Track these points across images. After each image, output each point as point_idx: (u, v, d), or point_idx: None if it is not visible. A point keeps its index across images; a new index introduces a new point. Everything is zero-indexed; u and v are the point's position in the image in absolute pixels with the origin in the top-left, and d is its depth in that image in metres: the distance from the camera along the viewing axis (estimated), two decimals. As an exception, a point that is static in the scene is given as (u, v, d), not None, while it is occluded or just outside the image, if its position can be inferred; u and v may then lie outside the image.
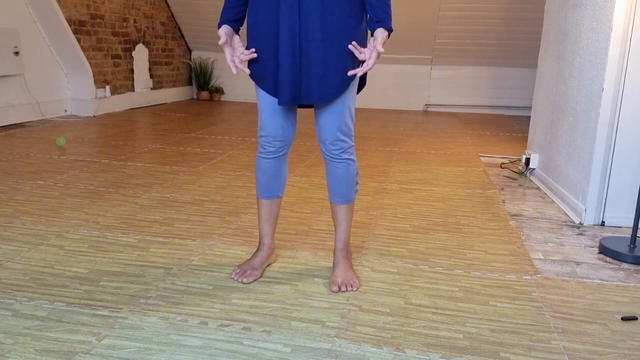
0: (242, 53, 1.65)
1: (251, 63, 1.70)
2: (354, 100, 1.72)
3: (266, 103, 1.72)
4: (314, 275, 1.88)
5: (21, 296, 1.66)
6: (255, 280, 1.82)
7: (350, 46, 1.57)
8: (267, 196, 1.86)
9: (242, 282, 1.80)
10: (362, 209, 2.68)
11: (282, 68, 1.61)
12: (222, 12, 1.69)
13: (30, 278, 1.79)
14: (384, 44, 1.56)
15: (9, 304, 1.61)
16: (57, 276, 1.81)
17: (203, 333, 1.49)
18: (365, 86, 7.74)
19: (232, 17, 1.68)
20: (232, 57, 1.64)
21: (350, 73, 1.59)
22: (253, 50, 1.65)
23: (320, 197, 2.87)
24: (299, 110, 6.34)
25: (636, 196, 2.49)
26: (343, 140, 1.72)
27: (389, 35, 1.59)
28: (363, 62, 1.74)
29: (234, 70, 1.63)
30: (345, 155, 1.75)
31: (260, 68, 1.68)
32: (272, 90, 1.68)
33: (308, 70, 1.61)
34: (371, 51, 1.55)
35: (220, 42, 1.63)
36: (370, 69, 1.57)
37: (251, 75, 1.71)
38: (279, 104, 1.64)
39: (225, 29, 1.65)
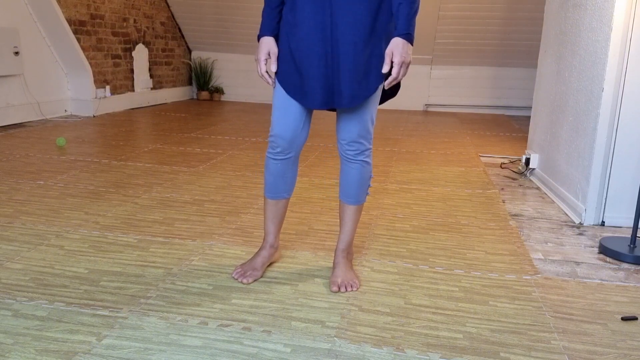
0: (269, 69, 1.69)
1: (280, 63, 1.70)
2: (377, 104, 1.72)
3: (281, 103, 1.71)
4: (314, 275, 1.88)
5: (21, 296, 1.66)
6: (255, 281, 1.82)
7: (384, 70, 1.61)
8: (273, 196, 1.85)
9: (242, 282, 1.80)
10: (362, 209, 2.67)
11: (313, 71, 1.61)
12: (264, 20, 1.69)
13: (30, 278, 1.79)
14: (406, 55, 1.57)
15: (9, 304, 1.61)
16: (57, 276, 1.81)
17: (203, 333, 1.49)
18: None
19: (276, 25, 1.70)
20: (266, 69, 1.67)
21: (386, 86, 1.62)
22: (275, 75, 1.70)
23: (320, 197, 2.87)
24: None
25: (636, 196, 2.49)
26: (361, 143, 1.73)
27: (411, 42, 1.60)
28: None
29: (270, 82, 1.69)
30: (361, 157, 1.75)
31: (291, 69, 1.67)
32: (299, 94, 1.67)
33: (340, 74, 1.61)
34: (396, 64, 1.58)
35: (262, 58, 1.66)
36: (398, 79, 1.59)
37: (278, 77, 1.71)
38: (306, 106, 1.64)
39: (269, 43, 1.68)
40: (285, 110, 1.71)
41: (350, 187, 1.80)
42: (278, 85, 1.71)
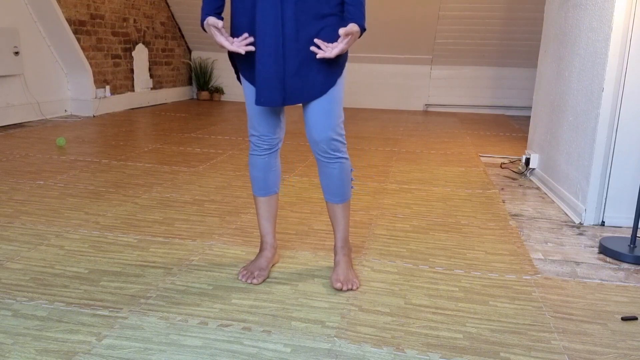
0: (237, 39, 1.62)
1: (240, 62, 1.71)
2: (341, 96, 1.72)
3: (254, 103, 1.73)
4: (314, 275, 1.88)
5: (21, 296, 1.66)
6: (264, 281, 1.82)
7: (316, 40, 1.57)
8: (265, 193, 1.86)
9: (251, 283, 1.80)
10: (362, 209, 2.68)
11: (264, 69, 1.60)
12: (204, 6, 1.67)
13: (30, 278, 1.79)
14: (350, 39, 1.54)
15: (9, 304, 1.61)
16: (57, 276, 1.81)
17: (203, 333, 1.49)
18: (366, 86, 7.73)
19: (215, 10, 1.67)
20: (230, 42, 1.60)
21: (318, 55, 1.56)
22: (246, 35, 1.61)
23: (320, 197, 2.87)
24: (295, 111, 6.34)
25: (636, 196, 2.49)
26: (336, 140, 1.73)
27: (360, 34, 1.58)
28: (344, 58, 1.74)
29: (241, 51, 1.59)
30: (339, 154, 1.75)
31: (249, 67, 1.68)
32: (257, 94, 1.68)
33: (293, 70, 1.61)
34: (337, 43, 1.55)
35: (219, 26, 1.58)
36: (329, 56, 1.54)
37: (242, 73, 1.72)
38: (262, 104, 1.63)
39: (215, 18, 1.62)
40: (263, 108, 1.73)
41: (334, 187, 1.80)
42: (247, 85, 1.73)
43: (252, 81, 1.71)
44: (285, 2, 1.57)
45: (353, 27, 1.54)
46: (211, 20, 1.61)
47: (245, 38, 1.61)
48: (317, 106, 1.68)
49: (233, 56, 1.74)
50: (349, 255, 1.88)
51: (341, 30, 1.52)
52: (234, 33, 1.68)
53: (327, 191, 1.82)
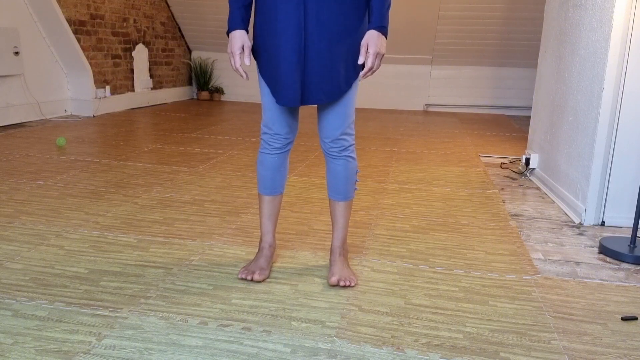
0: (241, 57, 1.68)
1: (259, 61, 1.72)
2: (355, 98, 1.75)
3: (272, 101, 1.73)
4: (314, 275, 1.88)
5: (21, 296, 1.66)
6: (265, 279, 1.82)
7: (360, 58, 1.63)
8: (270, 192, 1.86)
9: (253, 279, 1.80)
10: (362, 209, 2.68)
11: (286, 68, 1.62)
12: (234, 11, 1.67)
13: (30, 278, 1.79)
14: (380, 47, 1.60)
15: (9, 304, 1.61)
16: (57, 276, 1.81)
17: (203, 333, 1.49)
18: (366, 86, 7.72)
19: (247, 17, 1.69)
20: (240, 63, 1.66)
21: (362, 77, 1.66)
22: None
23: (320, 197, 2.87)
24: (300, 109, 6.34)
25: (636, 196, 2.49)
26: (344, 139, 1.75)
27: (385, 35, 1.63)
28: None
29: (244, 76, 1.68)
30: (345, 153, 1.77)
31: (269, 66, 1.69)
32: (274, 92, 1.71)
33: (313, 71, 1.63)
34: (371, 55, 1.61)
35: (237, 51, 1.64)
36: (373, 70, 1.62)
37: (261, 72, 1.73)
38: (281, 104, 1.66)
39: (242, 36, 1.66)
40: (279, 107, 1.74)
41: (338, 184, 1.81)
42: (264, 83, 1.74)
43: (268, 81, 1.71)
44: (309, 2, 1.58)
45: (372, 36, 1.59)
46: (244, 39, 1.66)
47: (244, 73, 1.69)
48: (331, 106, 1.71)
49: (256, 51, 1.74)
50: (345, 256, 1.88)
51: (360, 59, 1.60)
52: (256, 31, 1.70)
53: (330, 188, 1.83)
